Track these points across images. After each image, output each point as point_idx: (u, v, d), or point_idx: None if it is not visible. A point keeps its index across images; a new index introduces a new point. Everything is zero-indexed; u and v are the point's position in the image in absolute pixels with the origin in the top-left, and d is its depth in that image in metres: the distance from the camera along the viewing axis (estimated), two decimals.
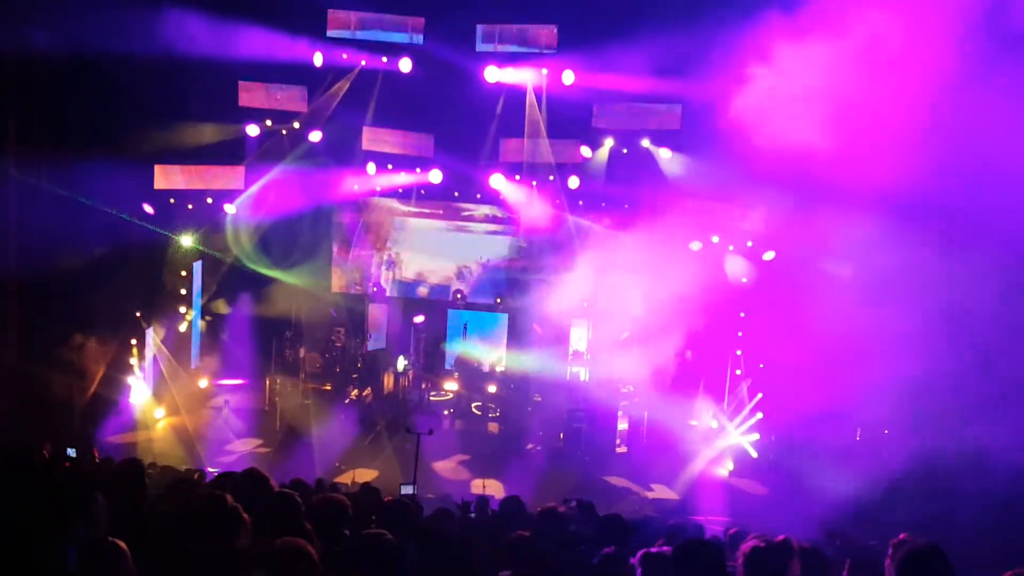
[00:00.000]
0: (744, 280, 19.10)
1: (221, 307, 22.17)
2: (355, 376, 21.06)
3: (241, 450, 17.99)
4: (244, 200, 21.30)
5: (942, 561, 5.17)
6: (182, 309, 20.96)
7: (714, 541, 5.88)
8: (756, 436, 18.79)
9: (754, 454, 18.66)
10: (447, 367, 22.07)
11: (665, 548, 5.98)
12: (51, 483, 4.37)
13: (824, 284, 16.68)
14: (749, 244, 19.60)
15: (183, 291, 20.99)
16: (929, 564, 5.18)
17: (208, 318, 22.23)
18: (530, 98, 20.63)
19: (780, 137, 15.90)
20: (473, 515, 11.05)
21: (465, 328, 22.12)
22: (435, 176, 21.62)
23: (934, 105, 13.60)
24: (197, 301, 21.61)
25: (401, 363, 20.72)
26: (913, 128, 13.68)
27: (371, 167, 21.69)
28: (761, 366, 19.14)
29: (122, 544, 5.00)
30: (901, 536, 5.87)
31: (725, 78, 17.30)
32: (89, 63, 16.49)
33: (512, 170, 21.51)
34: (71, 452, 12.92)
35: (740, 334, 19.72)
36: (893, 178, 14.26)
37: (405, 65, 20.33)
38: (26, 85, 16.44)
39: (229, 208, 21.17)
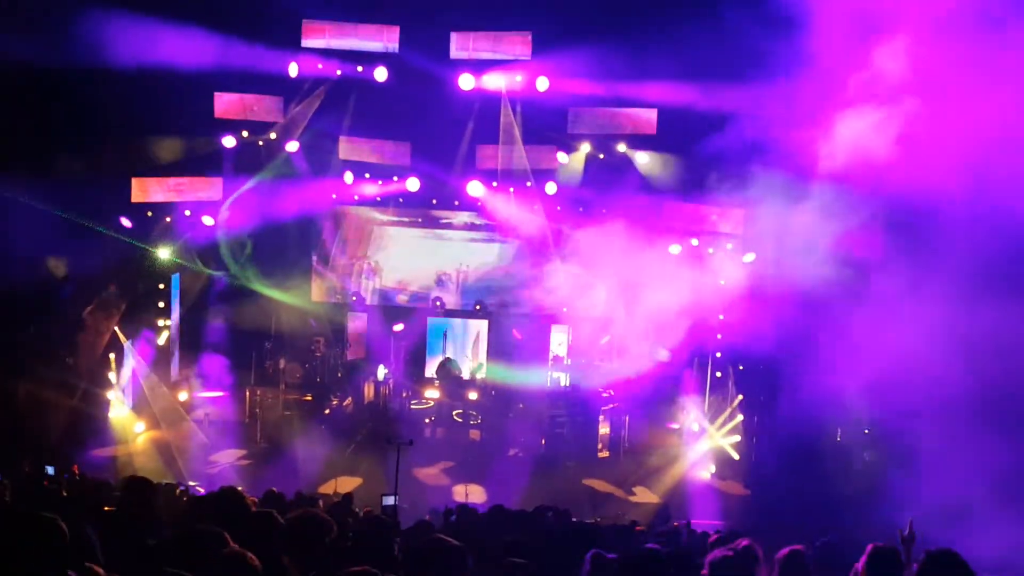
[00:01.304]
0: (723, 282, 19.09)
1: (199, 319, 22.11)
2: (336, 386, 21.04)
3: (223, 462, 17.94)
4: (222, 212, 21.25)
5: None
6: (160, 322, 20.86)
7: (667, 556, 5.85)
8: (737, 438, 18.85)
9: (735, 456, 18.72)
10: (428, 375, 22.06)
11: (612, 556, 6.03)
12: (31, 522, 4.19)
13: (805, 286, 16.77)
14: (729, 247, 19.63)
15: (161, 304, 20.89)
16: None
17: (191, 328, 22.14)
18: (505, 105, 20.64)
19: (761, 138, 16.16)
20: (455, 520, 11.08)
21: (445, 336, 22.16)
22: (412, 184, 21.62)
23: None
24: (175, 314, 21.52)
25: (382, 372, 20.71)
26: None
27: (348, 176, 21.71)
28: (740, 368, 19.19)
29: None
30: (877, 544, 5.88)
31: (700, 80, 17.46)
32: (63, 76, 16.45)
33: (489, 177, 21.49)
34: (50, 470, 12.86)
35: (720, 336, 19.75)
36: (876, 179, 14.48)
37: (380, 74, 20.32)
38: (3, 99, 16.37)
39: (207, 220, 21.11)
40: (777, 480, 16.97)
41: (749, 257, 19.00)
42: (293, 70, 20.18)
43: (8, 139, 16.45)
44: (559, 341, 21.90)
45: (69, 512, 4.48)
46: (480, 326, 22.50)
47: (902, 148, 14.21)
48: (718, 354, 19.88)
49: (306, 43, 20.25)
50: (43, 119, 17.14)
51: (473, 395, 20.34)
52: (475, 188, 21.37)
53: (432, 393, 21.18)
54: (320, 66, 20.51)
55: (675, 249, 20.36)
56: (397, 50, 20.30)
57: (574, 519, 11.98)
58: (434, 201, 22.91)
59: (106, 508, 7.91)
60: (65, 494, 10.47)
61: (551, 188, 21.44)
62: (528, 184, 21.53)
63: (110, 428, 18.81)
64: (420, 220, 23.52)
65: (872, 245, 15.94)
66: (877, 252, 15.90)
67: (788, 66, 15.90)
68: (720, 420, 19.19)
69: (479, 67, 20.17)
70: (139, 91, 18.11)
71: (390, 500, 11.89)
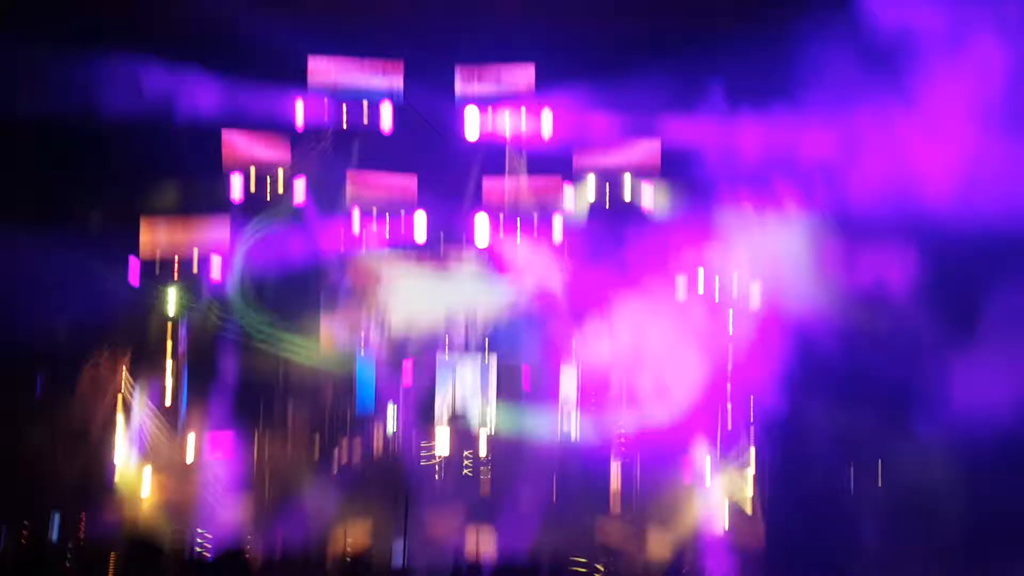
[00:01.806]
0: (731, 331, 18.94)
1: (207, 371, 22.01)
2: (344, 436, 20.92)
3: (230, 514, 17.87)
4: (230, 260, 21.14)
5: None
6: (168, 369, 20.76)
7: None
8: (751, 490, 18.68)
9: (749, 509, 18.55)
10: (437, 424, 21.91)
11: None
12: None
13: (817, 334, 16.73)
14: (735, 277, 19.48)
15: (169, 352, 20.79)
16: None
17: (198, 381, 22.04)
18: (510, 139, 20.53)
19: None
20: None
21: (454, 382, 22.01)
22: (420, 220, 21.48)
23: None
24: (184, 362, 21.42)
25: (391, 420, 20.56)
26: None
27: (356, 213, 21.58)
28: (752, 419, 19.02)
29: None
30: None
31: (704, 115, 17.42)
32: (70, 124, 16.44)
33: (496, 212, 21.35)
34: (55, 528, 12.83)
35: (730, 386, 19.57)
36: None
37: (386, 110, 20.26)
38: (6, 148, 16.38)
39: (215, 263, 21.00)
40: (792, 533, 16.86)
41: (755, 288, 18.82)
42: (299, 109, 20.06)
43: (14, 188, 16.45)
44: (569, 388, 21.74)
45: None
46: (489, 370, 22.34)
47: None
48: (729, 405, 19.69)
49: (312, 83, 20.15)
50: (49, 167, 17.10)
51: (482, 445, 20.18)
52: (481, 225, 21.19)
53: (441, 443, 21.05)
54: (326, 104, 20.37)
55: (681, 281, 20.20)
56: (402, 85, 20.23)
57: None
58: (442, 241, 22.74)
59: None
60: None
61: (557, 223, 21.24)
62: (534, 218, 21.37)
63: (117, 478, 18.74)
64: (428, 262, 23.33)
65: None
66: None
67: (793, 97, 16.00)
68: (734, 472, 19.03)
69: (484, 102, 20.13)
70: (145, 136, 18.17)
71: (400, 552, 11.78)
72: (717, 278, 19.78)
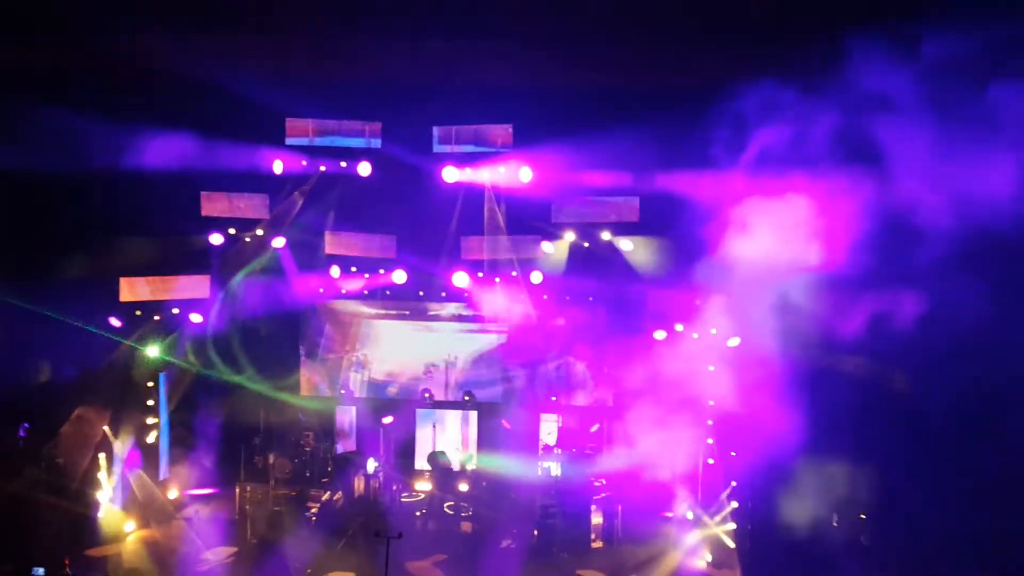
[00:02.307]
0: (711, 368, 19.14)
1: (188, 416, 22.08)
2: (325, 480, 20.93)
3: (213, 559, 17.79)
4: (210, 309, 21.36)
5: None
6: (149, 420, 20.79)
7: None
8: (733, 525, 18.75)
9: (731, 544, 18.60)
10: (417, 467, 21.99)
11: None
12: None
13: (790, 370, 16.90)
14: (713, 331, 19.67)
15: (150, 402, 20.83)
16: None
17: (180, 426, 22.06)
18: (488, 196, 20.88)
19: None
20: None
21: (434, 427, 22.14)
22: (399, 276, 21.73)
23: None
24: (164, 411, 21.46)
25: (371, 465, 20.56)
26: None
27: (335, 270, 21.85)
28: (733, 454, 19.15)
29: None
30: None
31: (681, 171, 17.76)
32: (50, 180, 16.64)
33: (475, 267, 21.62)
34: (39, 572, 12.78)
35: (710, 422, 19.75)
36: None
37: (364, 169, 20.55)
38: None
39: (195, 317, 21.18)
40: (775, 568, 16.91)
41: (734, 342, 19.02)
42: (278, 167, 20.35)
43: None
44: (548, 430, 21.88)
45: None
46: (469, 417, 22.48)
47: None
48: (709, 440, 19.85)
49: (290, 141, 20.44)
50: (28, 222, 17.29)
51: (464, 486, 20.18)
52: (461, 279, 21.45)
53: (423, 485, 21.10)
54: (304, 163, 20.71)
55: (660, 335, 20.44)
56: (380, 145, 20.49)
57: None
58: (421, 293, 22.99)
59: None
60: None
61: (537, 277, 21.50)
62: (514, 274, 21.66)
63: (100, 527, 18.64)
64: (408, 312, 23.59)
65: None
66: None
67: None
68: (714, 507, 19.12)
69: (462, 160, 20.39)
70: (125, 192, 18.42)
71: None
72: (697, 331, 20.00)
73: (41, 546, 16.24)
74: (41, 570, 12.88)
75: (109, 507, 19.07)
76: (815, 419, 16.26)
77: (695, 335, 20.01)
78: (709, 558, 18.48)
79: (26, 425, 18.31)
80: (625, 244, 20.86)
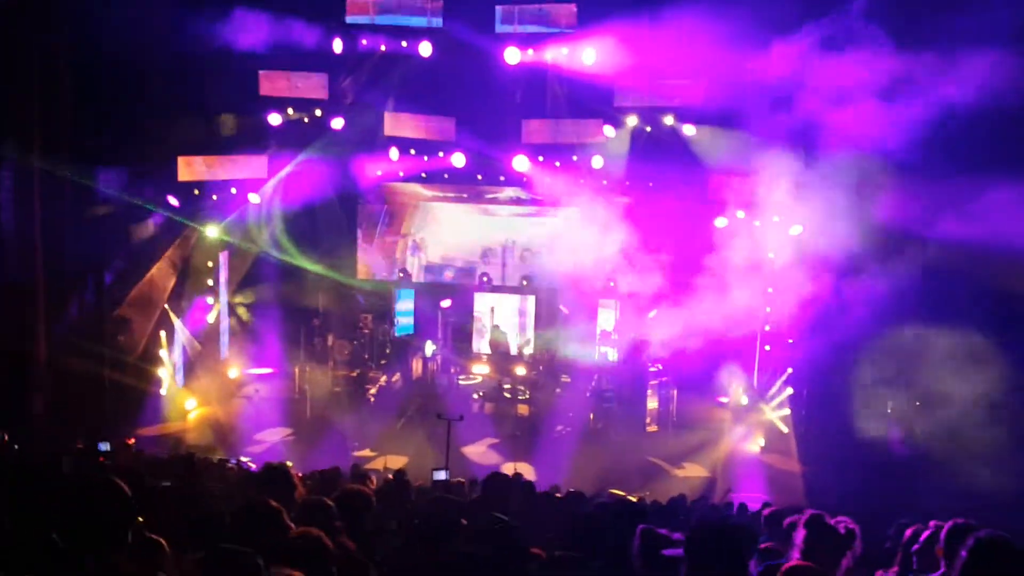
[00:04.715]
0: (771, 255, 18.89)
1: (248, 297, 22.28)
2: (384, 362, 21.12)
3: (272, 439, 18.04)
4: (268, 189, 21.37)
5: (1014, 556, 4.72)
6: (210, 300, 20.99)
7: (737, 528, 5.32)
8: (787, 411, 18.71)
9: (785, 429, 18.57)
10: (475, 350, 22.09)
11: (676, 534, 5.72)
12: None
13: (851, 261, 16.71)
14: (776, 219, 19.35)
15: (210, 282, 21.01)
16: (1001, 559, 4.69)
17: (240, 306, 22.28)
18: (551, 78, 20.45)
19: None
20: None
21: (492, 311, 22.15)
22: (458, 160, 21.52)
23: None
24: (224, 291, 21.64)
25: (429, 348, 20.73)
26: None
27: (394, 152, 21.67)
28: (790, 341, 19.01)
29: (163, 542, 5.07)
30: (957, 521, 5.62)
31: (748, 50, 17.25)
32: (110, 58, 16.49)
33: (535, 151, 21.33)
34: (104, 447, 12.95)
35: (768, 309, 19.57)
36: None
37: (425, 49, 20.06)
38: (49, 83, 16.47)
39: (253, 198, 21.18)
40: (829, 453, 16.85)
41: (796, 229, 18.71)
42: (337, 46, 19.96)
43: (53, 124, 16.55)
44: (606, 316, 21.79)
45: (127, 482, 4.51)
46: (527, 301, 22.46)
47: None
48: (767, 327, 19.70)
49: (350, 19, 19.99)
50: (87, 102, 17.19)
51: (521, 370, 20.31)
52: (521, 163, 21.16)
53: (480, 368, 21.22)
54: (364, 42, 20.31)
55: (722, 222, 20.15)
56: (441, 24, 19.97)
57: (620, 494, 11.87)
58: (480, 176, 22.84)
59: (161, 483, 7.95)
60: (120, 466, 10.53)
61: (598, 162, 21.17)
62: (574, 158, 21.40)
63: (162, 405, 19.03)
64: (466, 195, 23.50)
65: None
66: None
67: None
68: (769, 393, 19.07)
69: (524, 40, 19.83)
70: (184, 71, 18.27)
71: (441, 475, 11.85)
72: (758, 218, 19.68)
73: (104, 423, 16.47)
74: (106, 445, 13.00)
75: (170, 385, 19.38)
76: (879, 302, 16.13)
77: (756, 223, 19.67)
78: (762, 443, 18.51)
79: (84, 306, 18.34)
80: (688, 129, 20.39)
